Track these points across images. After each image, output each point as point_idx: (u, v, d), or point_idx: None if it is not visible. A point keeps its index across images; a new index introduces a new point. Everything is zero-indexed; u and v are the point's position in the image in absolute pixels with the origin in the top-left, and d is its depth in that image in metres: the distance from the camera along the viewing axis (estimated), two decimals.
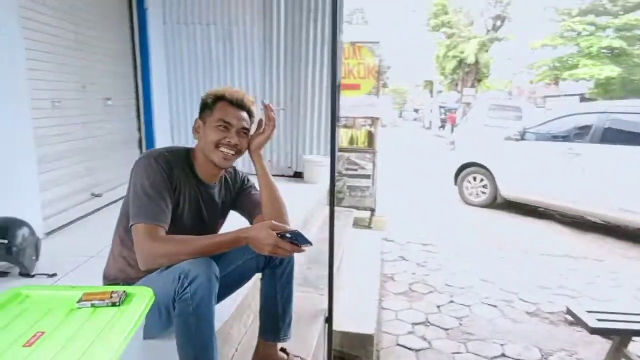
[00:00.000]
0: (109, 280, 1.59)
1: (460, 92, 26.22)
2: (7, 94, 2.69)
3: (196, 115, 1.63)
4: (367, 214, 6.01)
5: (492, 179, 7.01)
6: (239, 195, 1.77)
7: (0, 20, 2.64)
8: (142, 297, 1.25)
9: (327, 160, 5.03)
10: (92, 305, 1.17)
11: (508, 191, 6.80)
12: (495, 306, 3.65)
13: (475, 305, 3.66)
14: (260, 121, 1.67)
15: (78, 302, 1.16)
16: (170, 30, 5.03)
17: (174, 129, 5.23)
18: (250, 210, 1.74)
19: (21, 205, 2.69)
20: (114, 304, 1.17)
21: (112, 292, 1.20)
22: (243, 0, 4.93)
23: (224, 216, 1.77)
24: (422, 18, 29.26)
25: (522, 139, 6.59)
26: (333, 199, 2.43)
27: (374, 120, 6.10)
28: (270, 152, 5.24)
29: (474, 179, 7.33)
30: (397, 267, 4.47)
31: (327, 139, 5.09)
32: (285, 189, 1.78)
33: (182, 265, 1.34)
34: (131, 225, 1.40)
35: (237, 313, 2.02)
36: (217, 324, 1.82)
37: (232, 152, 1.56)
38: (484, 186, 7.19)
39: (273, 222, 1.43)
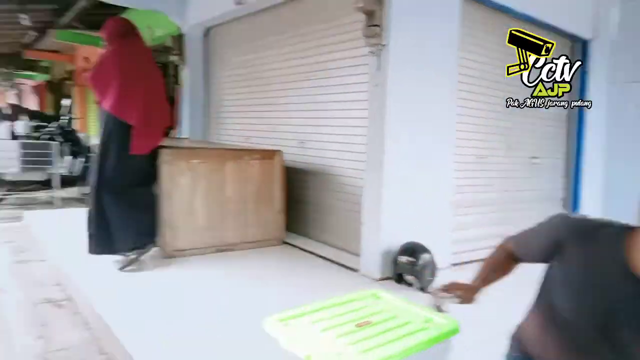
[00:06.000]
0: (510, 335, 1.36)
1: None
2: (441, 148, 3.37)
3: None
4: None
5: None
6: None
7: (444, 96, 3.37)
8: (443, 326, 1.41)
9: None
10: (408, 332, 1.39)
11: None
12: None
13: None
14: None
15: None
16: (616, 90, 4.70)
17: (607, 195, 4.79)
18: None
19: (435, 237, 3.24)
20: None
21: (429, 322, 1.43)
22: None
23: None
24: None
25: None
26: None
27: None
28: None
29: None
30: None
31: None
32: None
33: None
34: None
35: None
36: None
37: None
38: None
39: None
